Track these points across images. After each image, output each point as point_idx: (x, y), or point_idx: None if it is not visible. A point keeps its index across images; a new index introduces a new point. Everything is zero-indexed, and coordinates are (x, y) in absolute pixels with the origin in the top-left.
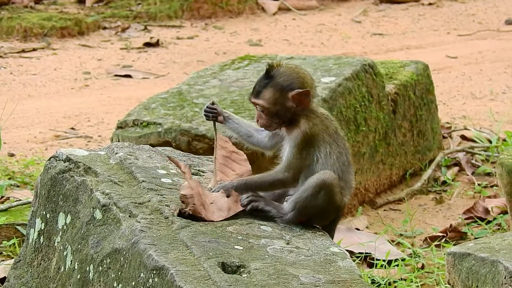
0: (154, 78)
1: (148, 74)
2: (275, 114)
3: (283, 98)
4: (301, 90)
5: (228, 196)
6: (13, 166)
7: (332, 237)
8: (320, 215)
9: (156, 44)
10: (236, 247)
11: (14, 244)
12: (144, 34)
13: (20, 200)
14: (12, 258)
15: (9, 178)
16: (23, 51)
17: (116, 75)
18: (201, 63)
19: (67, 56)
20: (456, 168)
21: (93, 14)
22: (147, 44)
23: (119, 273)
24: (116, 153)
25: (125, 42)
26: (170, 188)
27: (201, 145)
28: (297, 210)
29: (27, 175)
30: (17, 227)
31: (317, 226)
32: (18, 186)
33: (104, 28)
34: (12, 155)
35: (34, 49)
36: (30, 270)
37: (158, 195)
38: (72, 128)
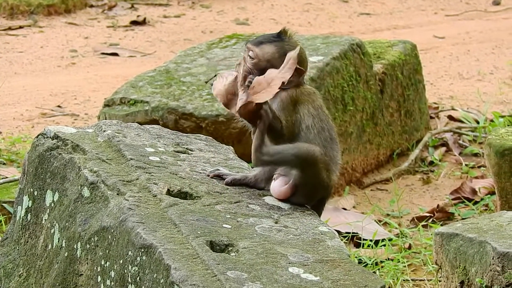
0: (141, 56)
1: (135, 53)
2: (261, 70)
3: (278, 60)
4: (299, 67)
5: None
6: None
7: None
8: (306, 191)
9: (143, 22)
10: (224, 225)
11: (0, 221)
12: (131, 12)
13: (7, 178)
14: (1, 236)
15: None
16: (10, 28)
17: (102, 53)
18: (188, 42)
19: (53, 34)
20: (443, 149)
21: None
22: (134, 23)
23: (107, 251)
24: (104, 131)
25: (112, 20)
26: (158, 166)
27: (188, 124)
28: (272, 159)
29: (14, 153)
30: (3, 204)
31: (306, 206)
32: (4, 164)
33: (91, 6)
34: None
35: (20, 27)
36: (17, 248)
37: (146, 173)
38: (59, 106)
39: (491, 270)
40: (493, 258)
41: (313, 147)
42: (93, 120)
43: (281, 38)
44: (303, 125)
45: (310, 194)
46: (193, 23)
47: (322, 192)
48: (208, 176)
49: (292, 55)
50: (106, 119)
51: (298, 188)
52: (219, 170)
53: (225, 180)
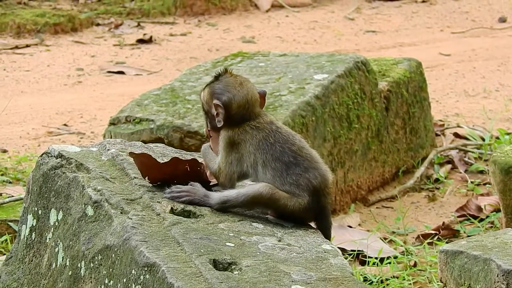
0: (147, 74)
1: (141, 71)
2: (206, 114)
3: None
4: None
5: None
6: (5, 162)
7: (328, 233)
8: (287, 218)
9: (149, 40)
10: (227, 244)
11: (6, 240)
12: (137, 31)
13: (13, 196)
14: (4, 254)
15: (2, 174)
16: (17, 47)
17: (109, 72)
18: (194, 60)
19: (60, 52)
20: (449, 166)
21: (86, 11)
22: (140, 41)
23: (111, 269)
24: (108, 150)
25: (118, 39)
26: (162, 185)
27: (193, 142)
28: (223, 207)
29: (20, 171)
30: (9, 223)
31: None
32: (10, 182)
33: (98, 24)
34: (4, 151)
35: (27, 45)
36: (21, 267)
37: (150, 191)
38: (65, 125)
39: None
40: (497, 276)
41: (259, 188)
42: (99, 138)
43: (218, 79)
44: (248, 163)
45: (292, 219)
46: (199, 41)
47: (301, 215)
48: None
49: None
50: (111, 137)
51: (280, 216)
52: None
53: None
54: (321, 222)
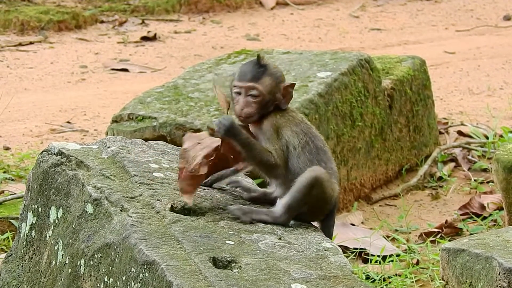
0: (151, 72)
1: (145, 68)
2: (265, 104)
3: (277, 88)
4: (290, 83)
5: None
6: (8, 159)
7: (331, 230)
8: (315, 211)
9: (154, 38)
10: (227, 242)
11: (8, 238)
12: (142, 28)
13: (15, 194)
14: (6, 252)
15: (4, 172)
16: (20, 44)
17: (113, 69)
18: (198, 57)
19: (64, 49)
20: (452, 164)
21: (90, 8)
22: (145, 38)
23: (110, 267)
24: (109, 147)
25: (122, 36)
26: (162, 183)
27: None
28: (289, 212)
29: (22, 169)
30: (11, 220)
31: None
32: (13, 180)
33: (102, 22)
34: (7, 148)
35: (31, 43)
36: (21, 264)
37: (150, 189)
38: (68, 122)
39: (497, 286)
40: (499, 274)
41: (317, 171)
42: (102, 136)
43: (264, 65)
44: (292, 146)
45: (317, 213)
46: (204, 39)
47: (329, 206)
48: (228, 187)
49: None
50: (114, 135)
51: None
52: (238, 182)
53: (244, 197)
54: (329, 220)
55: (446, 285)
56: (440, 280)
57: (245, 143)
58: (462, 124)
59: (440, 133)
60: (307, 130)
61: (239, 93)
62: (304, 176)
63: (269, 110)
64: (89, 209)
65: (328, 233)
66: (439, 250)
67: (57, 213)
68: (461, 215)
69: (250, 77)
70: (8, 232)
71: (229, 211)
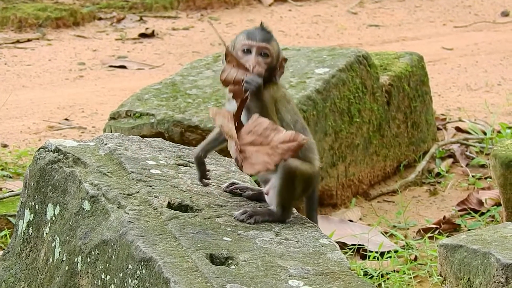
0: (149, 69)
1: (143, 65)
2: (270, 68)
3: (279, 56)
4: (285, 57)
5: None
6: (6, 157)
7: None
8: (307, 190)
9: (152, 35)
10: (224, 238)
11: (5, 235)
12: (140, 25)
13: (13, 191)
14: (3, 249)
15: (2, 169)
16: (18, 41)
17: (111, 66)
18: (196, 54)
19: (62, 46)
20: (450, 160)
21: (88, 5)
22: (143, 35)
23: (107, 264)
24: (106, 144)
25: (120, 33)
26: (159, 179)
27: (194, 136)
28: (287, 209)
29: (20, 166)
30: (9, 218)
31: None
32: (10, 177)
33: (100, 18)
34: (5, 146)
35: (29, 40)
36: (18, 262)
37: (147, 186)
38: (66, 119)
39: (495, 282)
40: (497, 270)
41: (292, 162)
42: (100, 133)
43: (270, 32)
44: (283, 123)
45: (309, 188)
46: (202, 36)
47: (316, 178)
48: (225, 191)
49: None
50: (111, 132)
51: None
52: (235, 183)
53: (243, 195)
54: (312, 201)
55: (444, 281)
56: (438, 276)
57: (265, 108)
58: (460, 120)
59: (438, 129)
60: (295, 109)
61: (248, 52)
62: (280, 176)
63: (265, 79)
64: (86, 206)
65: (312, 217)
66: (437, 246)
67: (54, 210)
68: (459, 211)
69: (261, 37)
70: (6, 229)
71: (234, 217)
